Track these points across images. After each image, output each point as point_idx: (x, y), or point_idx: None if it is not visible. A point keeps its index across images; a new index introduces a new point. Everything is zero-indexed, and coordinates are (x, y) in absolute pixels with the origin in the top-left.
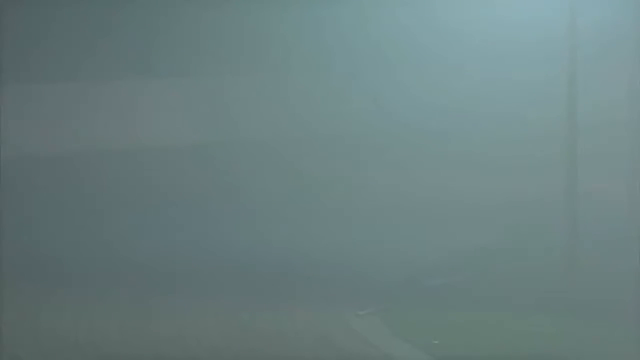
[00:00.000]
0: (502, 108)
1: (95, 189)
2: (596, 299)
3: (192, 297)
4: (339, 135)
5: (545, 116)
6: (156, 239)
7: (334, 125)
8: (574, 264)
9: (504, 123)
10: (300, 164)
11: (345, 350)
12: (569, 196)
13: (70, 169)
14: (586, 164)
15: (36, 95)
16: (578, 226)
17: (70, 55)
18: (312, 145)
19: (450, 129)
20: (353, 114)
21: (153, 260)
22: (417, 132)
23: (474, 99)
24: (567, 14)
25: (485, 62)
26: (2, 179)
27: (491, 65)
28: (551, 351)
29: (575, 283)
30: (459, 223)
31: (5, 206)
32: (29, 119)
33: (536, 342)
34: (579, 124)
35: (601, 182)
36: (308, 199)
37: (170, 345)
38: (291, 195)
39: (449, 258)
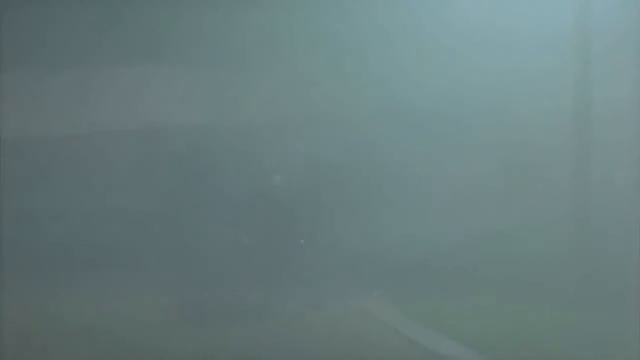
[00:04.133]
0: (512, 96)
1: (99, 179)
2: (604, 288)
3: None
4: (351, 120)
5: (554, 105)
6: (164, 230)
7: (344, 109)
8: (583, 251)
9: (514, 111)
10: (310, 149)
11: (361, 333)
12: (578, 185)
13: (71, 159)
14: (595, 153)
15: (37, 85)
16: (587, 214)
17: (72, 44)
18: (322, 130)
19: (460, 117)
20: (363, 101)
21: (162, 251)
22: (426, 119)
23: (484, 87)
24: (578, 1)
25: (495, 51)
26: (2, 171)
27: (501, 54)
28: (558, 339)
29: (584, 271)
30: (468, 209)
31: (6, 199)
32: (30, 109)
33: (546, 329)
34: (588, 113)
35: (610, 172)
36: (318, 184)
37: (176, 342)
38: (300, 180)
39: (458, 243)
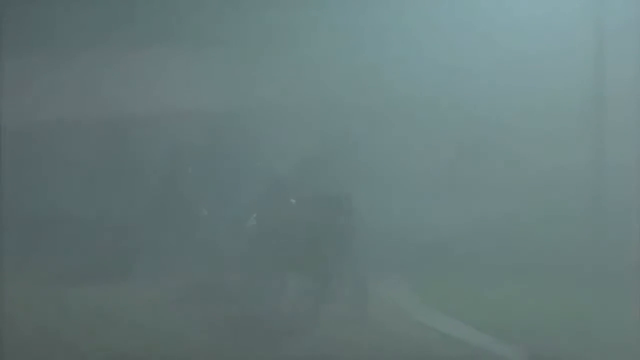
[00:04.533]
0: (529, 79)
1: (108, 165)
2: (620, 273)
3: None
4: (369, 102)
5: (572, 87)
6: (179, 218)
7: (363, 92)
8: (600, 233)
9: (531, 94)
10: (327, 130)
11: (376, 318)
12: (595, 167)
13: (83, 146)
14: (612, 135)
15: (39, 68)
16: (604, 197)
17: (77, 24)
18: (340, 111)
19: (478, 99)
20: (381, 83)
21: (175, 241)
22: (443, 101)
23: (501, 70)
24: None
25: (511, 32)
26: (2, 152)
27: (518, 33)
28: (574, 319)
29: (600, 253)
30: (485, 192)
31: (9, 190)
32: (32, 92)
33: (560, 310)
34: (606, 95)
35: (627, 154)
36: (334, 165)
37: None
38: (318, 162)
39: (475, 226)
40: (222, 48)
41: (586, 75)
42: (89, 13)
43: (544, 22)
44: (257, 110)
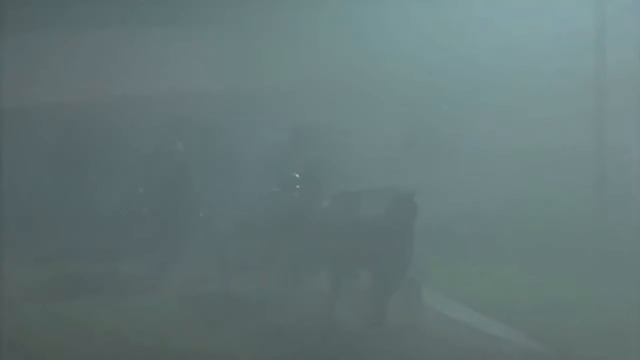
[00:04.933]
0: (530, 60)
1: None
2: (623, 251)
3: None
4: (369, 90)
5: (574, 69)
6: (184, 204)
7: (365, 75)
8: (602, 216)
9: (533, 75)
10: (329, 110)
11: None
12: (597, 149)
13: (90, 125)
14: (615, 117)
15: (39, 47)
16: (606, 179)
17: (78, 4)
18: (340, 92)
19: (478, 81)
20: (382, 70)
21: (182, 230)
22: (442, 85)
23: (502, 50)
24: None
25: (513, 13)
26: (2, 132)
27: (519, 17)
28: (577, 304)
29: (602, 235)
30: (487, 174)
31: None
32: (33, 71)
33: (563, 293)
34: (608, 77)
35: (629, 136)
36: (334, 145)
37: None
38: (319, 142)
39: (476, 208)
40: (221, 32)
41: (586, 58)
42: None
43: (543, 6)
44: (255, 90)
